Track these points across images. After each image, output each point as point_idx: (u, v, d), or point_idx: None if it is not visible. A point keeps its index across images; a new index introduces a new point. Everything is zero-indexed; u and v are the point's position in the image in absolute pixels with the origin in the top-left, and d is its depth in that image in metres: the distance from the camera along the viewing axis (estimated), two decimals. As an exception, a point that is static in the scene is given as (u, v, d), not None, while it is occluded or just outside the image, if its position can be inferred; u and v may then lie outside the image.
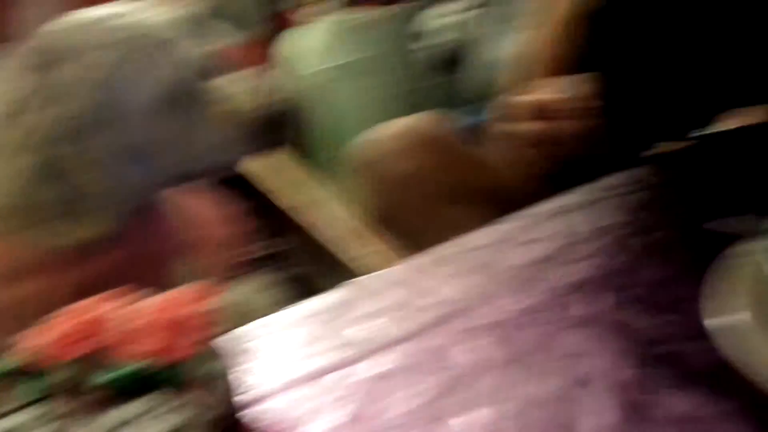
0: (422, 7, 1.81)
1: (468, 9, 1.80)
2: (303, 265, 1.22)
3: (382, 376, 0.60)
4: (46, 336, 0.48)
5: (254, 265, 1.14)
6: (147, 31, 0.83)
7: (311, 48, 2.03)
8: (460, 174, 1.11)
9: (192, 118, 0.85)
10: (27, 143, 0.76)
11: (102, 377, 0.46)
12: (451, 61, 1.71)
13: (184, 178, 0.88)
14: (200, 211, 0.99)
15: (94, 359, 0.47)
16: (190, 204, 0.96)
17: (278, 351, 0.63)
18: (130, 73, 0.81)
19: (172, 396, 0.45)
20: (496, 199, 1.02)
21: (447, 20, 1.75)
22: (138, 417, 0.44)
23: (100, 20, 0.82)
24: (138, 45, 0.82)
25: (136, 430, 0.43)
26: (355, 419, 0.56)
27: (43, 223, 0.77)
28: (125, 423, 0.44)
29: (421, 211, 1.06)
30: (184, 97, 0.84)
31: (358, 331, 0.65)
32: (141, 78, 0.81)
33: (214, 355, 0.46)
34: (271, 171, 1.34)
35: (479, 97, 1.51)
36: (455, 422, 0.55)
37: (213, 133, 0.86)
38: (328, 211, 1.17)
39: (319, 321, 0.67)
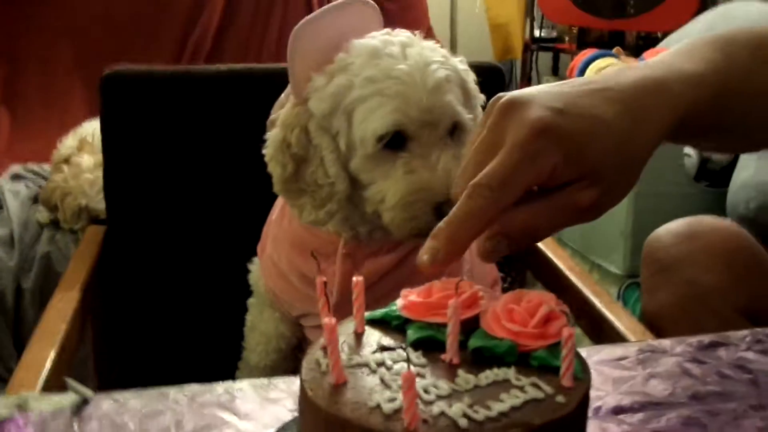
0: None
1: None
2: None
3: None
4: (425, 298, 0.56)
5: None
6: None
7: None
8: (760, 288, 1.06)
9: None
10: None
11: (475, 342, 0.52)
12: (717, 173, 1.71)
13: None
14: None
15: (466, 325, 0.54)
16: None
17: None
18: (373, 106, 0.88)
19: (522, 375, 0.50)
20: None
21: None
22: (489, 385, 0.50)
23: (390, 52, 0.91)
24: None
25: (483, 396, 0.48)
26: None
27: (300, 201, 0.93)
28: (477, 386, 0.49)
29: (708, 323, 1.01)
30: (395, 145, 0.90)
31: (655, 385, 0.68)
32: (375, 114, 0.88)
33: (576, 354, 0.51)
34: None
35: (737, 214, 1.50)
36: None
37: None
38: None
39: (617, 366, 0.70)
